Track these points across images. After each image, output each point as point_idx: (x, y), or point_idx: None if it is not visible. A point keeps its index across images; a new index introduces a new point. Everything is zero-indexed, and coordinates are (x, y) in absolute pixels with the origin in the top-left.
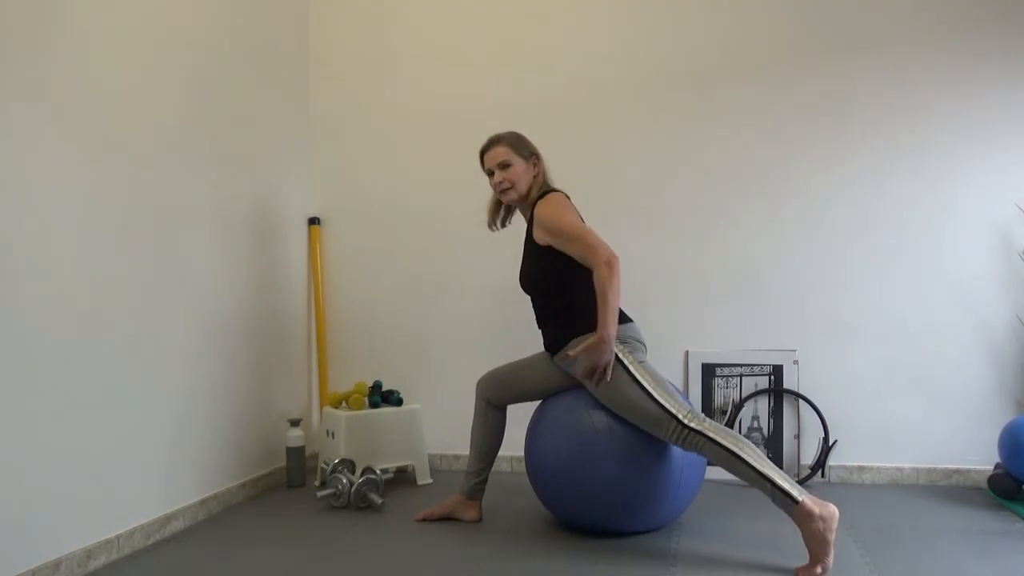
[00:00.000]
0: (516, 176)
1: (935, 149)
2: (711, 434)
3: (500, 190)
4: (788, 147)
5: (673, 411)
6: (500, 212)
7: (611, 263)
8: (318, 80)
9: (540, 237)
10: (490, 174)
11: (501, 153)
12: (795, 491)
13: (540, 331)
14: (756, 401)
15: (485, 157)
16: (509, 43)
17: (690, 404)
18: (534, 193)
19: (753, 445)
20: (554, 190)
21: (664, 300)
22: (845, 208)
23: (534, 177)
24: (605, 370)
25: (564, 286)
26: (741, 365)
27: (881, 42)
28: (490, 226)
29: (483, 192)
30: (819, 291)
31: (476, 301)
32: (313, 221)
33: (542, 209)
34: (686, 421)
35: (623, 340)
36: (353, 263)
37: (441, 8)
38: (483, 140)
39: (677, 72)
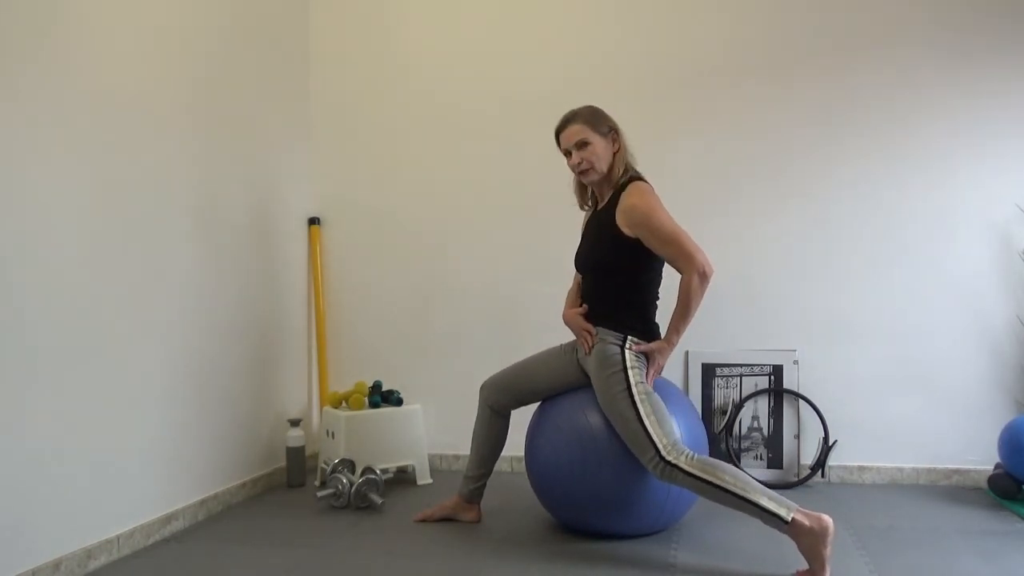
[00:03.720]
0: (595, 155)
1: (935, 150)
2: (686, 467)
3: (579, 171)
4: (788, 148)
5: (655, 439)
6: (588, 191)
7: (705, 274)
8: (318, 80)
9: (625, 226)
10: (567, 155)
11: (577, 132)
12: (783, 510)
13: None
14: (756, 401)
15: (560, 137)
16: (510, 43)
17: (677, 436)
18: (617, 173)
19: (735, 469)
20: (641, 178)
21: (664, 300)
22: (845, 208)
23: (615, 154)
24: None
25: (627, 279)
26: (741, 365)
27: (882, 45)
28: (582, 207)
29: (482, 192)
30: (819, 291)
31: (476, 301)
32: (313, 221)
33: (633, 201)
34: (664, 453)
35: (638, 355)
36: (353, 263)
37: (441, 8)
38: (483, 139)
39: (678, 73)
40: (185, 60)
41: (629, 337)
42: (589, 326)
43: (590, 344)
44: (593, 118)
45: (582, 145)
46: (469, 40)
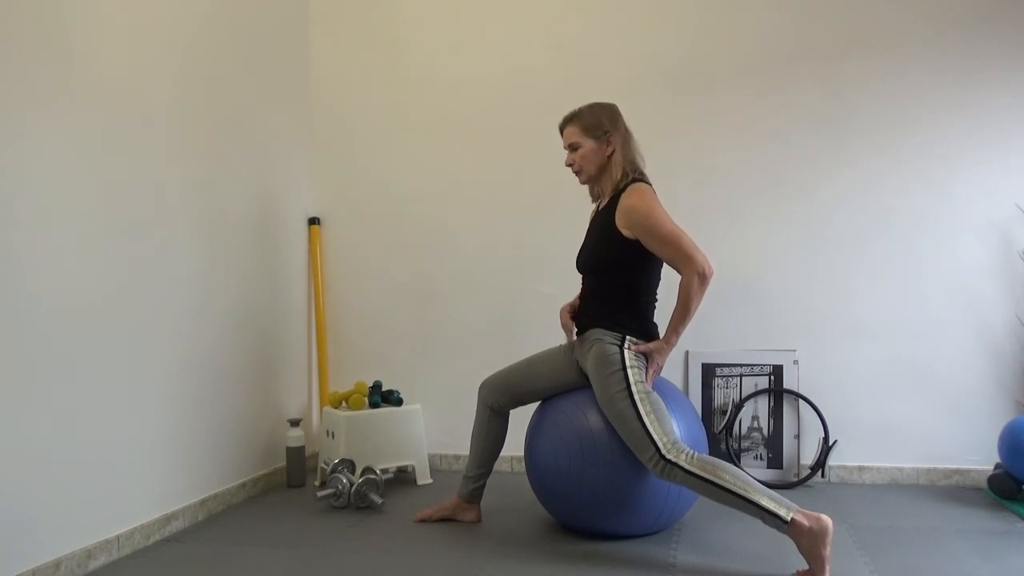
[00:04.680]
0: (583, 159)
1: (935, 150)
2: (686, 465)
3: (573, 171)
4: (789, 148)
5: (655, 438)
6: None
7: (705, 275)
8: (318, 79)
9: (624, 227)
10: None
11: (570, 134)
12: (783, 510)
13: (579, 305)
14: (756, 401)
15: (562, 135)
16: (511, 43)
17: (677, 434)
18: (615, 175)
19: (735, 468)
20: (641, 180)
21: (664, 300)
22: (845, 208)
23: (609, 157)
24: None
25: (626, 279)
26: (741, 365)
27: (882, 46)
28: (593, 201)
29: (482, 192)
30: (819, 291)
31: (476, 301)
32: (313, 221)
33: (632, 202)
34: (664, 451)
35: (638, 355)
36: (353, 263)
37: (441, 7)
38: (483, 139)
39: (679, 74)
40: (185, 59)
41: (628, 337)
42: (569, 322)
43: (572, 339)
44: (588, 120)
45: (574, 147)
46: (469, 40)
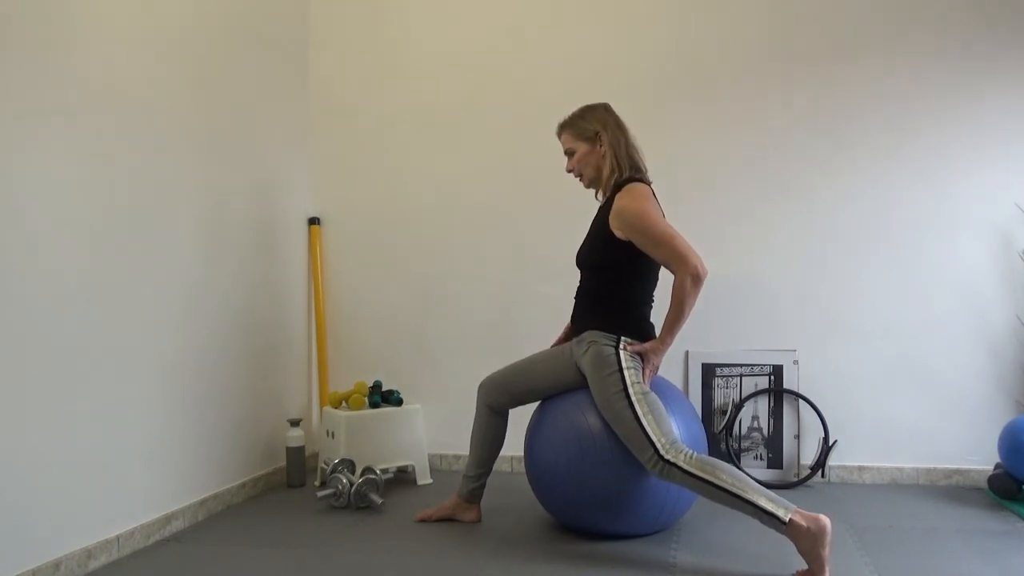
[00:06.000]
0: (579, 163)
1: (935, 150)
2: (684, 466)
3: (574, 176)
4: (788, 148)
5: (654, 439)
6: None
7: (698, 276)
8: (318, 79)
9: (617, 229)
10: None
11: (564, 141)
12: (781, 511)
13: (575, 304)
14: (756, 401)
15: (560, 142)
16: (510, 44)
17: (676, 435)
18: (610, 172)
19: (734, 469)
20: (637, 180)
21: (663, 300)
22: (845, 208)
23: (603, 156)
24: (653, 370)
25: (620, 278)
26: (741, 365)
27: (882, 47)
28: (596, 197)
29: (482, 191)
30: (819, 291)
31: (476, 301)
32: (313, 221)
33: (625, 203)
34: (662, 451)
35: (634, 356)
36: (353, 263)
37: (442, 7)
38: (483, 138)
39: (680, 74)
40: (185, 60)
41: (623, 338)
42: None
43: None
44: (577, 124)
45: (570, 153)
46: (469, 40)
